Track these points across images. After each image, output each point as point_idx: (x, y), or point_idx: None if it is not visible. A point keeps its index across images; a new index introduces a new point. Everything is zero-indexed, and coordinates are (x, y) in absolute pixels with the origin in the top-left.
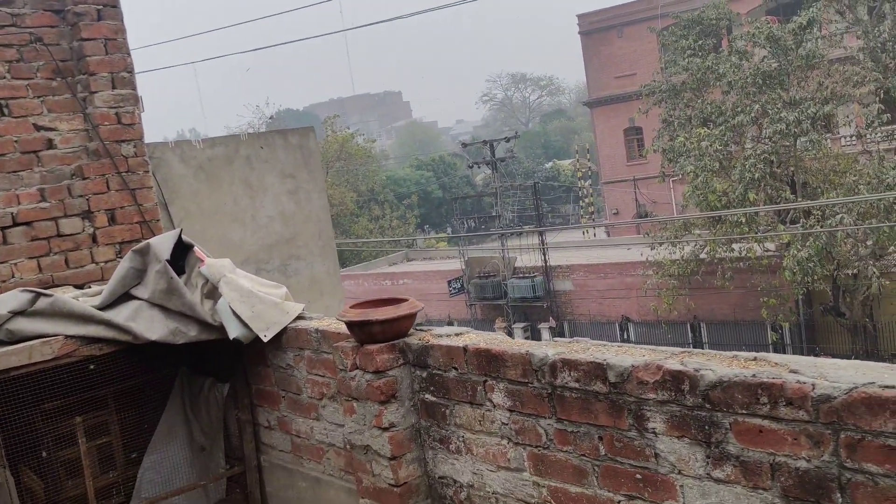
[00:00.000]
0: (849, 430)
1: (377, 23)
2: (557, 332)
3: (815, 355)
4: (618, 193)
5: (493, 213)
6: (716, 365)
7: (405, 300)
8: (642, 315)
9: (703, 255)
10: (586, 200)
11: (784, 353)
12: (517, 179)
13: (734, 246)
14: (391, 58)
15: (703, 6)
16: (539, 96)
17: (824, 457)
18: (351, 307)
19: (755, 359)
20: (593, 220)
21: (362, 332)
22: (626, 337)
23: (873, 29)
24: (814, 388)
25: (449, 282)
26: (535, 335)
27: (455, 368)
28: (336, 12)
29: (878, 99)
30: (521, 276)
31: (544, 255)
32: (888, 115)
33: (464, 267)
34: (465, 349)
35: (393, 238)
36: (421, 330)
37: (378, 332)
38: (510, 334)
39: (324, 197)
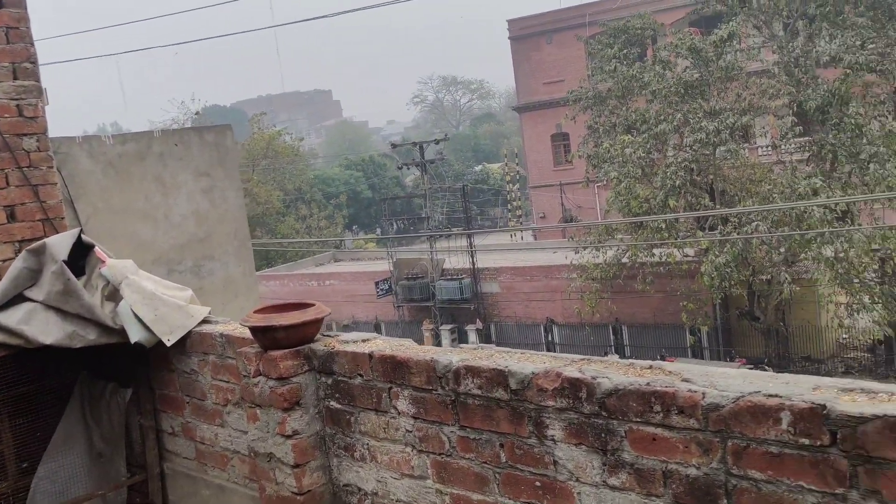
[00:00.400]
0: (735, 437)
1: (307, 20)
2: (484, 334)
3: (731, 358)
4: (545, 198)
5: (423, 215)
6: (613, 373)
7: (312, 305)
8: (566, 317)
9: (625, 260)
10: (514, 204)
11: (702, 356)
12: (447, 181)
13: (655, 251)
14: (322, 56)
15: (630, 16)
16: (470, 100)
17: (713, 464)
18: (255, 311)
19: (650, 367)
20: (521, 223)
21: (266, 337)
22: (550, 339)
23: (787, 44)
24: (704, 397)
25: (377, 283)
26: (462, 337)
27: (360, 375)
28: (268, 8)
29: (791, 112)
30: (449, 277)
31: (472, 257)
32: (800, 127)
33: (392, 268)
34: (370, 356)
35: (320, 238)
36: (327, 335)
37: (282, 337)
38: (437, 336)
39: (240, 196)
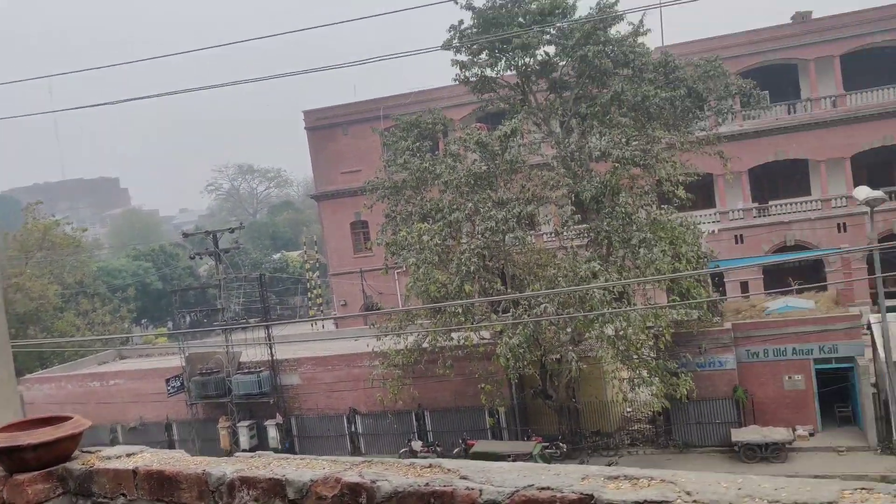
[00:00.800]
0: None
1: (90, 106)
2: (285, 429)
3: (528, 437)
4: (345, 285)
5: (218, 306)
6: (392, 475)
7: (68, 418)
8: (369, 406)
9: (425, 345)
10: (315, 292)
11: (501, 436)
12: (244, 271)
13: (453, 335)
14: (110, 143)
15: (421, 111)
16: (267, 188)
17: None
18: (0, 430)
19: (430, 466)
20: (322, 311)
21: (11, 459)
22: (353, 429)
23: (564, 140)
24: (481, 494)
25: (167, 380)
26: (261, 433)
27: (123, 495)
28: (47, 91)
29: (570, 201)
30: (247, 371)
31: (270, 348)
32: (579, 215)
33: (184, 364)
34: (135, 472)
35: (103, 335)
36: (87, 452)
37: (32, 458)
38: (234, 433)
39: None
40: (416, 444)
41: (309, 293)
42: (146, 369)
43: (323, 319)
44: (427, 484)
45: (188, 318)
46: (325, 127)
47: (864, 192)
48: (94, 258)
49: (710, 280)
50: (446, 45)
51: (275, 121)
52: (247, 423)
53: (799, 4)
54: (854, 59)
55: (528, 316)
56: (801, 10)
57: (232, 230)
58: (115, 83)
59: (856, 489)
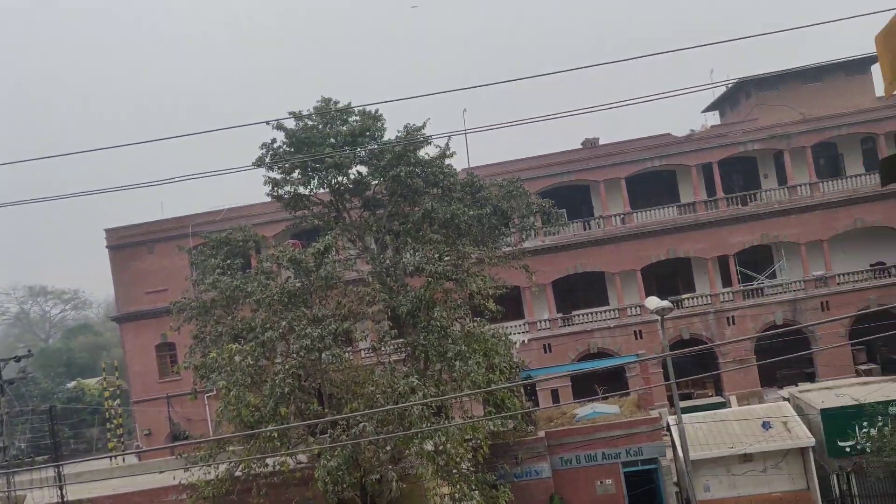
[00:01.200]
0: None
1: None
2: None
3: None
4: (150, 412)
5: (1, 444)
6: None
7: None
8: None
9: (238, 473)
10: (115, 422)
11: None
12: (33, 402)
13: (268, 461)
14: None
15: (231, 228)
16: (62, 310)
17: None
18: None
19: None
20: (123, 442)
21: None
22: None
23: (379, 256)
24: None
25: None
26: None
27: None
28: None
29: (386, 316)
30: None
31: (61, 490)
32: (395, 330)
33: None
34: None
35: None
36: None
37: None
38: None
39: None
40: None
41: (108, 424)
42: None
43: (123, 454)
44: None
45: None
46: (128, 245)
47: (654, 302)
48: None
49: (523, 390)
50: (258, 163)
51: (73, 238)
52: None
53: (588, 131)
54: (638, 181)
55: (347, 436)
56: (589, 137)
57: (18, 358)
58: None
59: None
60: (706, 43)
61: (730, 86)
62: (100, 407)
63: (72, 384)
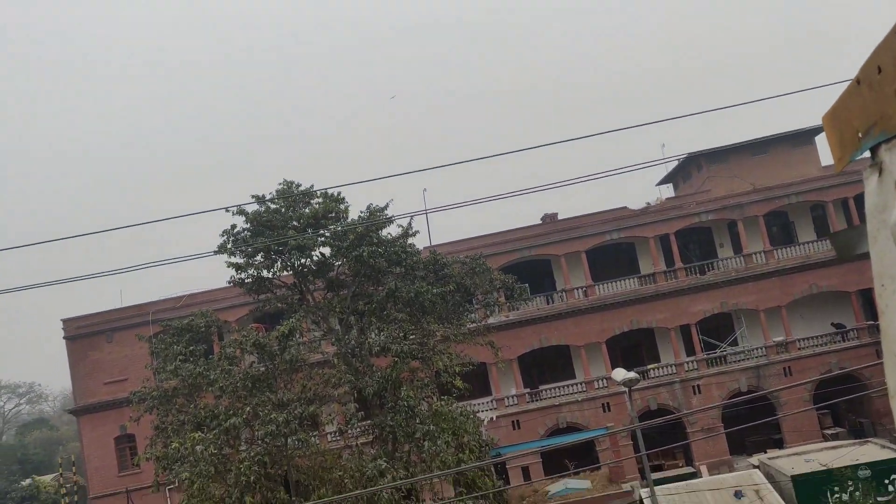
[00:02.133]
0: None
1: None
2: None
3: None
4: None
5: None
6: None
7: None
8: None
9: None
10: None
11: None
12: None
13: None
14: None
15: (192, 314)
16: (17, 405)
17: None
18: None
19: None
20: None
21: None
22: None
23: (344, 337)
24: None
25: None
26: None
27: None
28: None
29: (353, 398)
30: None
31: None
32: (362, 412)
33: None
34: None
35: None
36: None
37: None
38: None
39: None
40: None
41: None
42: None
43: None
44: None
45: None
46: (86, 335)
47: (620, 373)
48: None
49: (493, 469)
50: (220, 250)
51: (28, 329)
52: None
53: (546, 207)
54: (598, 254)
55: None
56: (548, 212)
57: None
58: None
59: None
60: (656, 120)
61: (681, 159)
62: None
63: (26, 482)
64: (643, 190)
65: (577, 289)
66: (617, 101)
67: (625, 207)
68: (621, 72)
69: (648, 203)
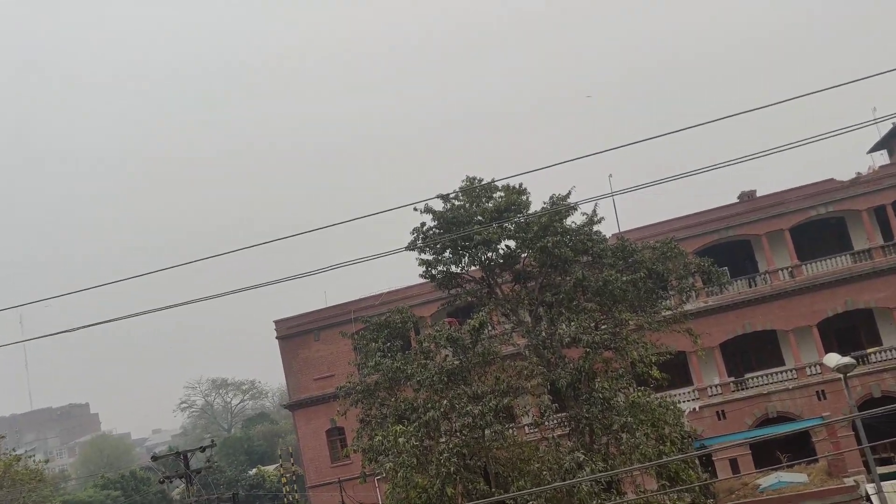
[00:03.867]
0: None
1: (63, 332)
2: None
3: None
4: (325, 497)
5: None
6: None
7: None
8: None
9: None
10: None
11: None
12: (217, 490)
13: None
14: (79, 366)
15: (389, 311)
16: (241, 400)
17: None
18: None
19: None
20: None
21: None
22: None
23: (534, 328)
24: None
25: None
26: None
27: None
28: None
29: (546, 390)
30: None
31: None
32: (556, 404)
33: None
34: None
35: None
36: None
37: None
38: None
39: None
40: None
41: None
42: None
43: None
44: None
45: None
46: (296, 335)
47: (833, 359)
48: (60, 491)
49: (698, 461)
50: (411, 247)
51: (246, 331)
52: None
53: (741, 183)
54: (803, 231)
55: None
56: (745, 189)
57: (203, 449)
58: (83, 302)
59: None
60: (869, 75)
61: None
62: (279, 493)
63: (253, 471)
64: (849, 160)
65: (782, 269)
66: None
67: (831, 179)
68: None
69: (859, 173)
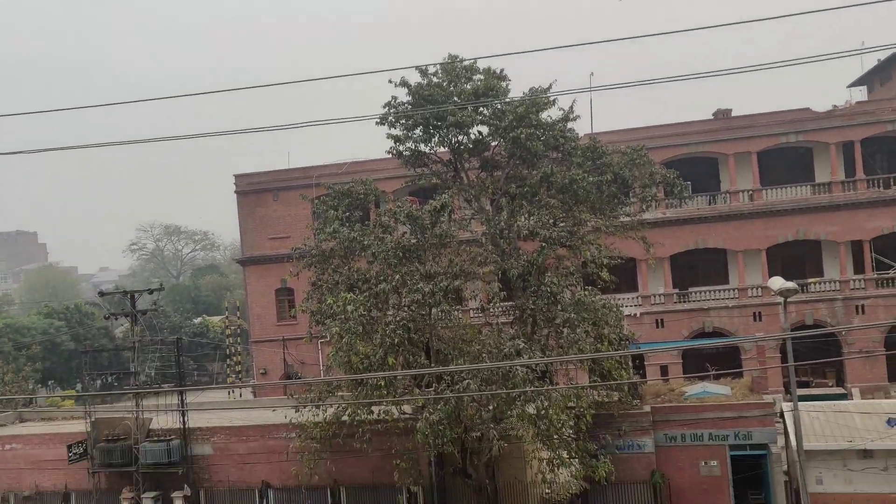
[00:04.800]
0: None
1: (13, 153)
2: (193, 502)
3: None
4: (267, 353)
5: (131, 370)
6: None
7: None
8: (284, 480)
9: (344, 418)
10: (234, 359)
11: None
12: (162, 334)
13: (374, 409)
14: (27, 191)
15: (353, 181)
16: (193, 250)
17: None
18: None
19: None
20: (241, 379)
21: None
22: None
23: (493, 218)
24: None
25: (69, 446)
26: None
27: None
28: None
29: (497, 278)
30: (156, 439)
31: (183, 416)
32: (505, 292)
33: (89, 429)
34: None
35: (3, 396)
36: None
37: None
38: None
39: None
40: None
41: (228, 360)
42: (47, 434)
43: (241, 387)
44: None
45: (99, 381)
46: (255, 191)
47: (778, 282)
48: (2, 314)
49: (630, 362)
50: (381, 120)
51: (204, 181)
52: (152, 494)
53: (719, 102)
54: (769, 156)
55: (451, 391)
56: (721, 108)
57: (151, 291)
58: (40, 123)
59: None
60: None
61: (881, 58)
62: (221, 344)
63: (198, 320)
64: (829, 93)
65: (743, 191)
66: None
67: (807, 109)
68: None
69: (835, 106)
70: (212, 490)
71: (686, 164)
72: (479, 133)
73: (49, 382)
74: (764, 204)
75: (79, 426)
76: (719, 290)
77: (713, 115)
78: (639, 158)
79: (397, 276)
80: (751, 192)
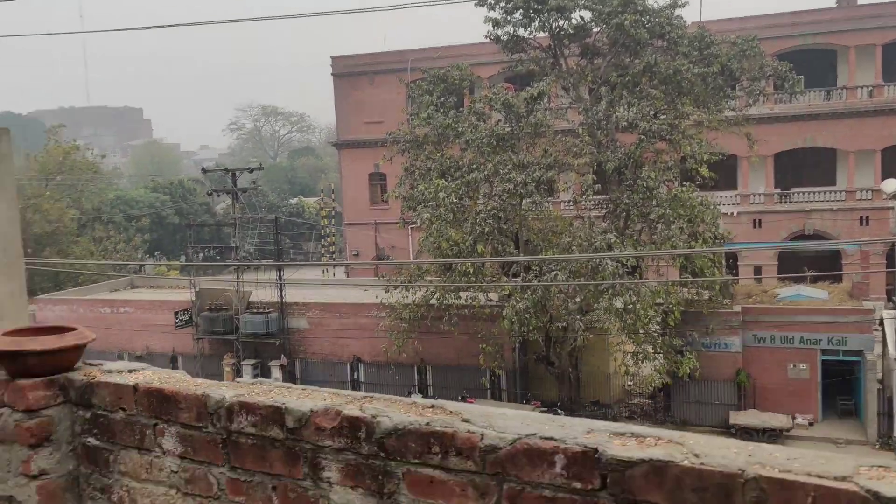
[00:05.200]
0: (511, 481)
1: (124, 30)
2: (289, 371)
3: (527, 401)
4: (359, 235)
5: (232, 245)
6: (394, 412)
7: (72, 329)
8: (373, 356)
9: (433, 301)
10: (328, 240)
11: (500, 397)
12: (260, 212)
13: (461, 294)
14: (136, 69)
15: (449, 66)
16: (289, 132)
17: None
18: (4, 334)
19: (432, 406)
20: (334, 259)
21: (15, 363)
22: (356, 377)
23: (591, 108)
24: (482, 438)
25: (176, 313)
26: (265, 373)
27: (123, 409)
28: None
29: (592, 170)
30: (255, 311)
31: (281, 290)
32: (599, 185)
33: (194, 298)
34: (135, 388)
35: (117, 262)
36: (90, 364)
37: (35, 364)
38: (238, 371)
39: (13, 208)
40: (417, 397)
41: (322, 240)
42: (156, 300)
43: (335, 265)
44: (428, 423)
45: (201, 254)
46: (351, 75)
47: (892, 184)
48: (113, 186)
49: (723, 261)
50: (481, 2)
51: (301, 65)
52: (251, 362)
53: None
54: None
55: (539, 281)
56: None
57: (251, 170)
58: (147, 5)
59: (872, 466)
60: None
61: None
62: (316, 224)
63: (294, 200)
64: None
65: (862, 87)
66: None
67: None
68: None
69: None
70: (306, 361)
71: (800, 57)
72: (581, 18)
73: (156, 253)
74: (884, 101)
75: (184, 295)
76: (824, 192)
77: (836, 2)
78: (749, 49)
79: (490, 165)
80: (871, 88)
